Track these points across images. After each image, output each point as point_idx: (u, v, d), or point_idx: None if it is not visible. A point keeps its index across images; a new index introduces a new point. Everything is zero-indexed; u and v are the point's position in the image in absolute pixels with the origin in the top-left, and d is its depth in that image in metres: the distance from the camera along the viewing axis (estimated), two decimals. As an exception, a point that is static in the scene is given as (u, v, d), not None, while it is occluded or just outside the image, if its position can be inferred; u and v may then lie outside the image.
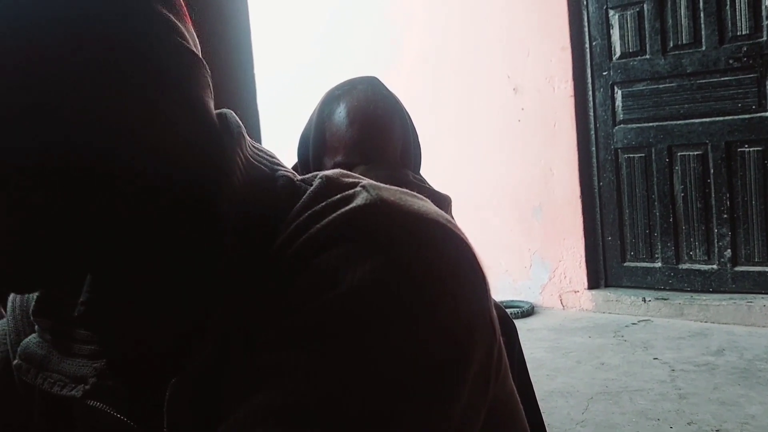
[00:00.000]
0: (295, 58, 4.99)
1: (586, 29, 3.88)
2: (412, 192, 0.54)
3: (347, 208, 0.49)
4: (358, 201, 0.50)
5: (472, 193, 3.99)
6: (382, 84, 1.30)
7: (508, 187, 4.09)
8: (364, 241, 0.47)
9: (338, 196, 0.51)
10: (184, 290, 0.51)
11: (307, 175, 0.57)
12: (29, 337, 0.58)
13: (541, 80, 3.97)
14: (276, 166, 0.57)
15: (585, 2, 3.87)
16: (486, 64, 4.14)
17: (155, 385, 0.52)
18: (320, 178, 0.55)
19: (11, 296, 0.65)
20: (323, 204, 0.51)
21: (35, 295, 0.59)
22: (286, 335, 0.45)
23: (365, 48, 4.53)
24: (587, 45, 3.88)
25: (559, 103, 3.92)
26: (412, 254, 0.47)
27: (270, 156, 0.58)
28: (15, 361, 0.58)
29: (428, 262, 0.48)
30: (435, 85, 4.31)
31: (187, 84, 0.51)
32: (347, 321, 0.44)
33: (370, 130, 1.21)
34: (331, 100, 1.25)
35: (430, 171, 1.37)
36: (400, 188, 0.54)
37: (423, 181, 1.28)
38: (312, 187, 0.54)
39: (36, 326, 0.58)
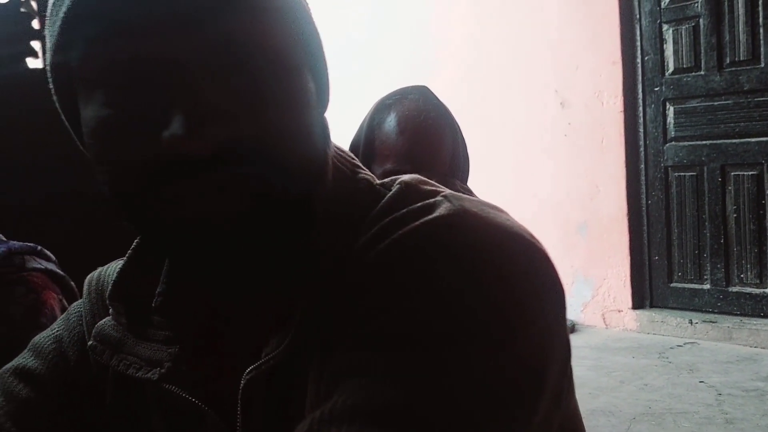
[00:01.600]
0: (336, 69, 5.00)
1: (638, 43, 3.81)
2: (493, 204, 0.54)
3: (430, 217, 0.50)
4: (441, 211, 0.50)
5: (515, 206, 3.92)
6: (433, 94, 1.29)
7: (553, 202, 4.04)
8: (447, 251, 0.47)
9: (419, 204, 0.52)
10: (271, 284, 0.53)
11: (384, 180, 0.58)
12: (104, 320, 0.60)
13: (589, 95, 3.91)
14: (356, 169, 0.59)
15: (638, 16, 3.80)
16: (533, 78, 4.10)
17: (229, 373, 0.54)
18: (399, 183, 0.56)
19: (88, 279, 0.67)
20: (404, 210, 0.51)
21: (111, 279, 0.61)
22: (371, 337, 0.46)
23: (408, 60, 4.53)
24: (639, 60, 3.81)
25: (608, 118, 3.86)
26: (495, 267, 0.47)
27: (350, 158, 0.60)
28: (90, 342, 0.59)
29: (512, 275, 0.48)
30: (481, 98, 4.28)
31: (326, 72, 0.56)
32: (431, 329, 0.45)
33: (420, 138, 1.21)
34: (382, 108, 1.25)
35: (476, 183, 1.36)
36: (480, 200, 0.54)
37: (470, 191, 1.27)
38: (391, 192, 0.55)
39: (111, 309, 0.60)
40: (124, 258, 0.61)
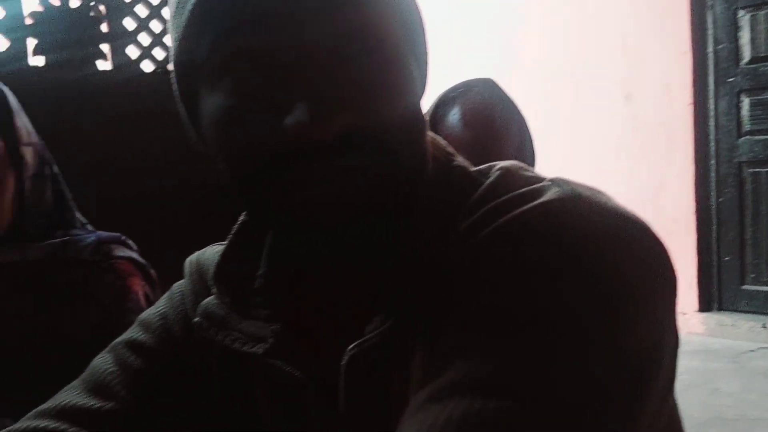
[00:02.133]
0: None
1: (711, 32, 3.65)
2: (601, 190, 0.54)
3: (540, 201, 0.50)
4: (551, 195, 0.50)
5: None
6: (499, 86, 1.27)
7: (618, 198, 3.92)
8: (559, 234, 0.47)
9: (523, 189, 0.52)
10: (373, 266, 0.55)
11: (480, 167, 0.58)
12: (208, 299, 0.63)
13: (656, 87, 3.78)
14: (450, 156, 0.59)
15: (710, 2, 3.64)
16: (598, 70, 3.99)
17: (330, 349, 0.56)
18: (499, 169, 0.56)
19: (187, 262, 0.72)
20: (507, 196, 0.52)
21: (212, 261, 0.66)
22: (482, 318, 0.46)
23: (476, 53, 4.47)
24: (710, 49, 3.66)
25: (676, 111, 3.73)
26: (610, 253, 0.47)
27: (444, 145, 0.61)
28: (195, 319, 0.63)
29: (627, 261, 0.47)
30: (547, 91, 4.19)
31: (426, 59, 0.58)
32: (545, 312, 0.45)
33: (485, 132, 1.19)
34: (445, 102, 1.24)
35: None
36: (589, 185, 0.54)
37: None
38: (491, 178, 0.55)
39: (213, 289, 0.63)
40: (224, 242, 0.65)
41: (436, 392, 0.44)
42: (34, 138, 1.09)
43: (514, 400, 0.41)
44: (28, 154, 1.05)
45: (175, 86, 0.58)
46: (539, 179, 0.54)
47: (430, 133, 0.59)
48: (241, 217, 0.66)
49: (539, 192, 0.51)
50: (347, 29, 0.50)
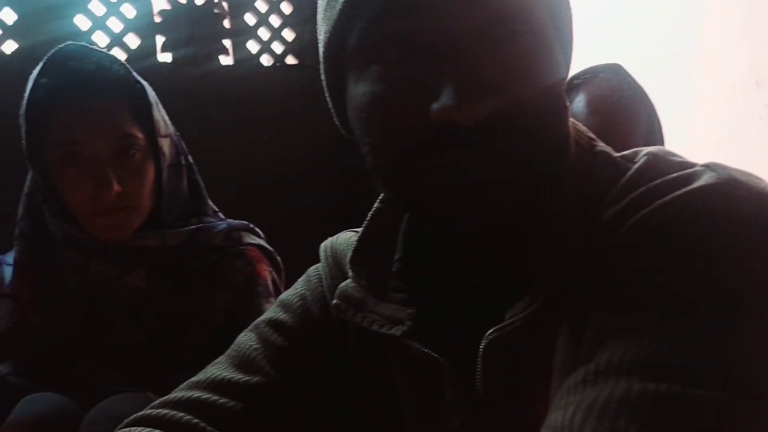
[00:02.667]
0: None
1: None
2: (759, 177, 0.52)
3: (695, 186, 0.49)
4: (706, 180, 0.49)
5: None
6: (627, 72, 1.21)
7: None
8: (717, 218, 0.47)
9: (674, 174, 0.51)
10: (516, 250, 0.55)
11: (625, 152, 0.57)
12: (346, 282, 0.66)
13: (790, 73, 3.52)
14: (592, 141, 0.59)
15: None
16: (723, 53, 3.76)
17: (468, 333, 0.57)
18: (646, 154, 0.55)
19: (322, 247, 0.74)
20: (658, 181, 0.51)
21: (346, 246, 0.70)
22: (637, 301, 0.46)
23: (596, 38, 4.32)
24: None
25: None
26: None
27: (585, 130, 0.60)
28: (334, 301, 0.66)
29: None
30: (669, 75, 3.98)
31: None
32: (703, 295, 0.44)
33: (612, 119, 1.15)
34: (569, 88, 1.20)
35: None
36: (745, 171, 0.52)
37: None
38: (639, 164, 0.54)
39: (350, 273, 0.66)
40: (359, 228, 0.68)
41: (591, 374, 0.44)
42: (171, 129, 1.14)
43: (677, 383, 0.40)
44: (165, 145, 1.10)
45: (323, 75, 0.59)
46: (691, 164, 0.53)
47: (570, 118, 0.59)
48: (377, 203, 0.68)
49: (693, 177, 0.50)
50: (495, 13, 0.50)
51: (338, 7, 0.53)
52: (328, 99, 0.61)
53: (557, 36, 0.55)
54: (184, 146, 1.17)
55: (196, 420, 0.63)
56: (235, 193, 1.68)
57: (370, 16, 0.51)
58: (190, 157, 1.18)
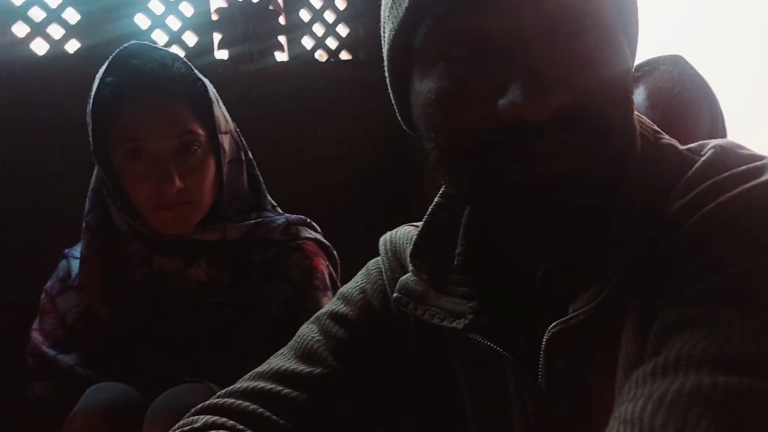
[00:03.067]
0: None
1: None
2: None
3: (764, 178, 0.49)
4: None
5: None
6: (689, 64, 1.18)
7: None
8: None
9: (744, 167, 0.51)
10: (580, 244, 0.55)
11: (691, 145, 0.57)
12: (406, 275, 0.67)
13: None
14: (657, 134, 0.59)
15: None
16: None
17: (530, 326, 0.57)
18: (713, 147, 0.55)
19: (382, 241, 0.75)
20: (726, 174, 0.50)
21: (406, 239, 0.71)
22: (708, 294, 0.45)
23: (660, 29, 4.20)
24: None
25: None
26: None
27: (649, 123, 0.60)
28: (395, 295, 0.67)
29: None
30: (735, 66, 3.86)
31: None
32: None
33: (673, 113, 1.12)
34: None
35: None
36: None
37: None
38: (706, 156, 0.54)
39: (410, 266, 0.67)
40: (417, 222, 0.69)
41: (660, 367, 0.44)
42: (231, 126, 1.16)
43: (747, 377, 0.40)
44: (226, 141, 1.12)
45: (387, 73, 0.60)
46: (759, 156, 0.53)
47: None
48: (437, 198, 0.68)
49: (762, 169, 0.50)
50: (563, 9, 0.50)
51: (405, 5, 0.54)
52: (391, 96, 0.62)
53: (623, 29, 0.55)
54: (244, 142, 1.18)
55: (261, 410, 0.64)
56: (290, 187, 1.70)
57: (438, 14, 0.52)
58: (249, 153, 1.20)
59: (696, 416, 0.39)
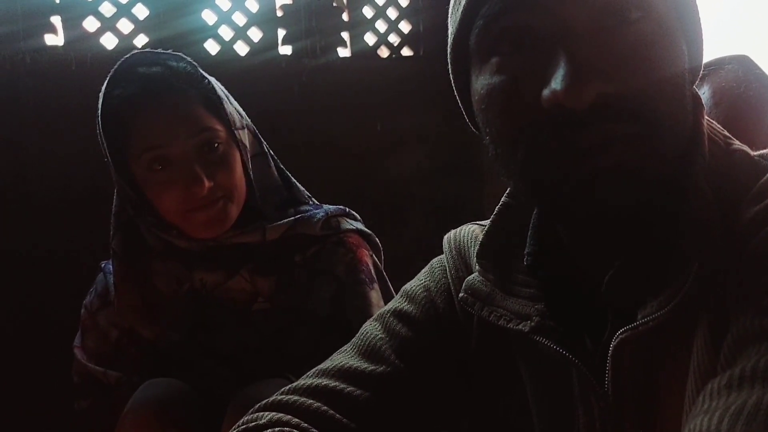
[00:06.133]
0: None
1: None
2: None
3: None
4: None
5: None
6: (755, 63, 1.13)
7: None
8: None
9: None
10: (647, 248, 0.54)
11: (763, 151, 0.56)
12: (473, 275, 0.67)
13: None
14: (729, 140, 0.58)
15: None
16: None
17: (597, 330, 0.57)
18: None
19: (446, 239, 0.75)
20: None
21: (470, 239, 0.71)
22: None
23: (727, 29, 4.05)
24: None
25: None
26: None
27: (720, 129, 0.59)
28: (461, 294, 0.67)
29: None
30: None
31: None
32: None
33: (738, 112, 1.07)
34: None
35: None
36: None
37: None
38: None
39: (477, 266, 0.67)
40: (483, 221, 0.69)
41: (736, 379, 0.43)
42: (246, 121, 1.12)
43: None
44: (244, 136, 1.09)
45: (451, 76, 0.62)
46: None
47: (707, 117, 0.58)
48: (504, 197, 0.68)
49: None
50: (606, 3, 0.51)
51: (461, 9, 0.56)
52: (457, 98, 0.63)
53: (681, 26, 0.55)
54: (261, 137, 1.15)
55: (325, 407, 0.65)
56: (349, 181, 1.72)
57: (489, 13, 0.54)
58: (270, 149, 1.17)
59: None
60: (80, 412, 1.10)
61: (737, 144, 0.57)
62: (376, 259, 1.17)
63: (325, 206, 1.17)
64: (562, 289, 0.61)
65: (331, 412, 0.64)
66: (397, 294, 0.76)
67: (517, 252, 0.64)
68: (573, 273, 0.61)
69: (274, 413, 0.64)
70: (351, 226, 1.15)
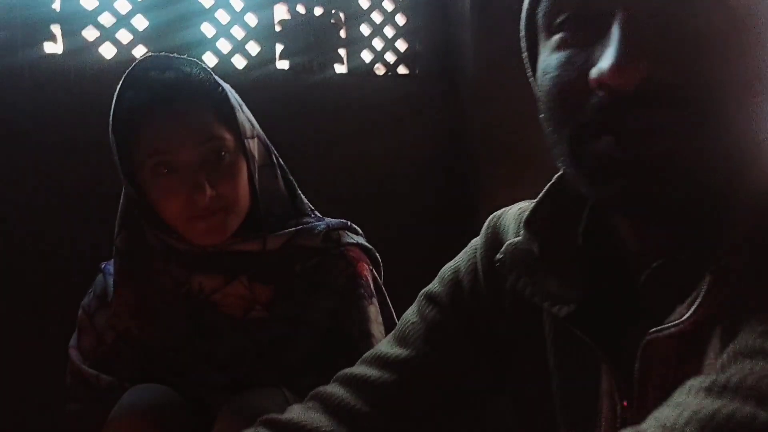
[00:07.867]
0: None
1: None
2: None
3: None
4: None
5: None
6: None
7: None
8: None
9: None
10: (687, 251, 0.53)
11: None
12: (518, 238, 0.65)
13: None
14: None
15: None
16: None
17: (630, 327, 0.56)
18: None
19: (491, 216, 0.73)
20: None
21: (514, 217, 0.69)
22: None
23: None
24: None
25: None
26: None
27: None
28: (498, 256, 0.65)
29: None
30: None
31: None
32: None
33: None
34: None
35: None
36: None
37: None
38: None
39: (522, 233, 0.64)
40: (532, 200, 0.67)
41: (719, 386, 0.42)
42: (257, 131, 1.12)
43: None
44: (254, 145, 1.09)
45: (526, 62, 0.62)
46: None
47: None
48: (557, 176, 0.66)
49: None
50: None
51: None
52: (531, 76, 0.62)
53: (763, 37, 0.51)
54: (272, 147, 1.15)
55: (348, 399, 0.67)
56: (344, 199, 1.72)
57: None
58: (280, 159, 1.16)
59: None
60: (71, 414, 1.09)
61: None
62: (376, 273, 1.17)
63: (327, 219, 1.17)
64: (605, 276, 0.60)
65: (353, 403, 0.66)
66: (414, 301, 0.76)
67: (568, 228, 0.62)
68: (619, 261, 0.59)
69: (313, 402, 0.68)
70: (352, 240, 1.15)
